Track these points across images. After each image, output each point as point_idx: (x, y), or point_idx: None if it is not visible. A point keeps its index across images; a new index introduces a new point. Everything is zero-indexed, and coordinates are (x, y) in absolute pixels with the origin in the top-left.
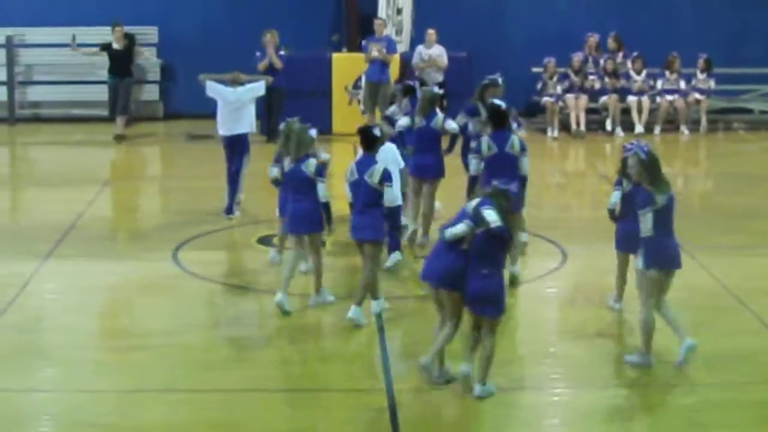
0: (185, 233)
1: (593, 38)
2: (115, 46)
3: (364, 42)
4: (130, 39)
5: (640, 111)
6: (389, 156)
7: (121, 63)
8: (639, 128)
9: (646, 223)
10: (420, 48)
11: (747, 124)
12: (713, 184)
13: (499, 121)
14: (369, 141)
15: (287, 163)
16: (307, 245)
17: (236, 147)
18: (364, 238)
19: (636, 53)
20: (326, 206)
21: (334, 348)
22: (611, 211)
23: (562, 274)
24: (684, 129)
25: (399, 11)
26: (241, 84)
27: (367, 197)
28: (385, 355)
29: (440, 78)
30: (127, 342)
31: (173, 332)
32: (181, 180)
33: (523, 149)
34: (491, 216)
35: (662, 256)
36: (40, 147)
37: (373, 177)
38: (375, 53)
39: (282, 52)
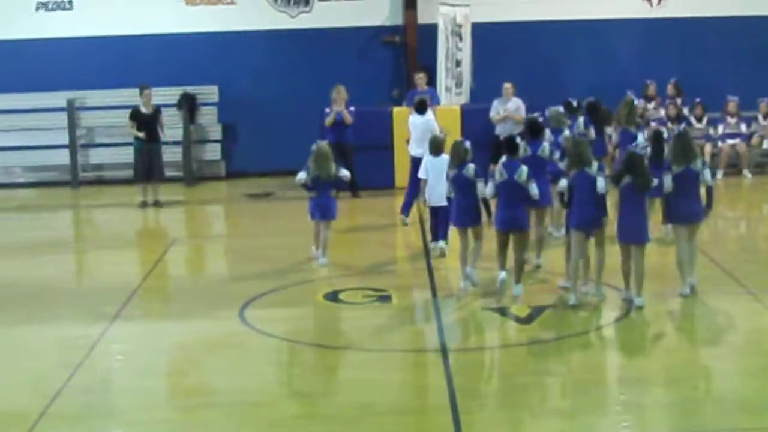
0: (251, 291)
1: (652, 86)
2: (143, 110)
3: (409, 94)
4: (156, 107)
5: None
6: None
7: (150, 127)
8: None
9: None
10: (496, 102)
11: None
12: None
13: (510, 149)
14: (512, 147)
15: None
16: (470, 235)
17: None
18: (514, 228)
19: (697, 99)
20: (485, 201)
21: (402, 402)
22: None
23: (628, 322)
24: (746, 173)
25: (458, 63)
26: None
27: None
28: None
29: (518, 131)
30: (196, 401)
31: (241, 390)
32: (245, 238)
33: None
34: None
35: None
36: (103, 209)
37: (521, 176)
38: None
39: (352, 108)
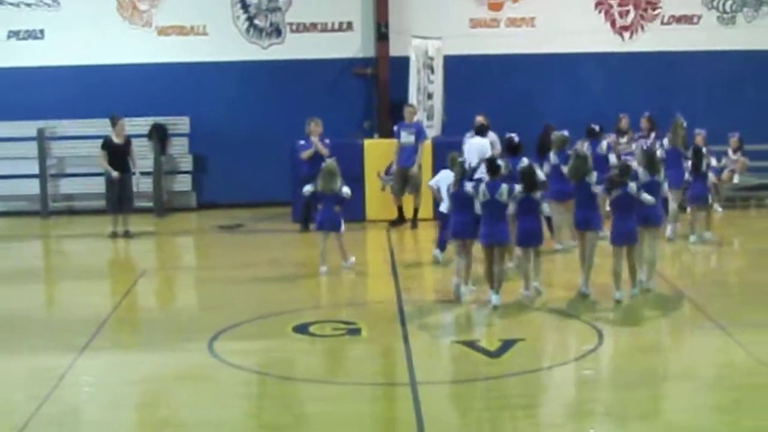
0: (221, 323)
1: (624, 119)
2: (116, 140)
3: (396, 128)
4: (127, 138)
5: None
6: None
7: (122, 158)
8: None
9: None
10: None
11: None
12: (747, 261)
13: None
14: (494, 168)
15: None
16: (532, 254)
17: None
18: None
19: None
20: (548, 219)
21: None
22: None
23: (598, 356)
24: (717, 207)
25: (430, 96)
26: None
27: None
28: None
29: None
30: None
31: (210, 422)
32: (215, 270)
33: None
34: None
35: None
36: (73, 239)
37: (502, 196)
38: None
39: (327, 140)
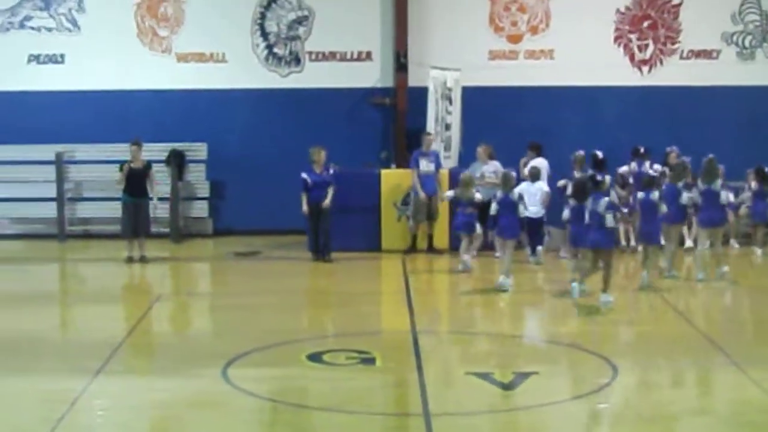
0: (235, 349)
1: (673, 153)
2: (134, 165)
3: (413, 155)
4: (147, 162)
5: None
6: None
7: (139, 183)
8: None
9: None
10: (473, 166)
11: None
12: (763, 299)
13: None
14: (597, 183)
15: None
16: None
17: None
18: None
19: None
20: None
21: None
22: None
23: (611, 390)
24: (734, 243)
25: (447, 127)
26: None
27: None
28: None
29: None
30: None
31: None
32: (230, 296)
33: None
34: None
35: None
36: (89, 263)
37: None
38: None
39: (331, 170)
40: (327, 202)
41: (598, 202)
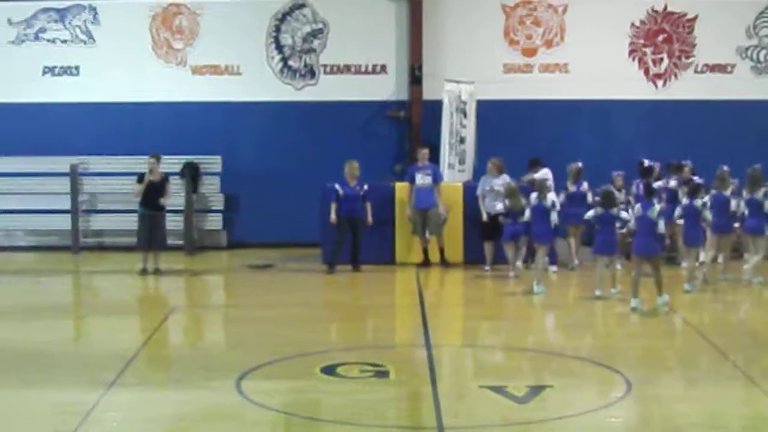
0: (249, 362)
1: (687, 167)
2: (151, 177)
3: (409, 170)
4: (164, 175)
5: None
6: None
7: (157, 195)
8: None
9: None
10: (483, 179)
11: None
12: None
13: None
14: (650, 191)
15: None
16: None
17: None
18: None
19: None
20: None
21: None
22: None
23: (626, 404)
24: (747, 256)
25: (462, 140)
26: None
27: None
28: None
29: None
30: None
31: None
32: (244, 309)
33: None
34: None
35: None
36: (103, 275)
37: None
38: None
39: (366, 186)
40: (369, 219)
41: (651, 209)
